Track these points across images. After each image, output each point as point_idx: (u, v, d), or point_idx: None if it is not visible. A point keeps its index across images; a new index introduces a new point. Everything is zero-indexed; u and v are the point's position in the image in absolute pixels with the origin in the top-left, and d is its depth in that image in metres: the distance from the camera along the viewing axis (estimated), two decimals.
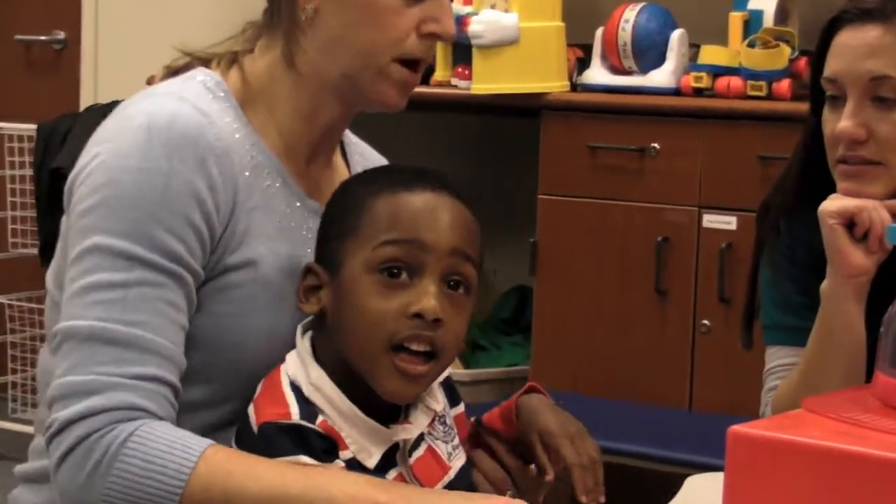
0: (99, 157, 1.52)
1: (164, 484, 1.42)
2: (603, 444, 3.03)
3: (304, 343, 1.55)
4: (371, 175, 1.61)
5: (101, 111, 4.21)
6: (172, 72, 1.66)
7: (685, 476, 2.06)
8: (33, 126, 4.18)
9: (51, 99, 4.79)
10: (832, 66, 1.89)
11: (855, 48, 1.87)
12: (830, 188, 1.87)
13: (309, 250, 1.60)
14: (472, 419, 1.69)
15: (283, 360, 1.54)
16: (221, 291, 1.54)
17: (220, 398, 1.56)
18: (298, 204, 1.62)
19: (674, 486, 2.03)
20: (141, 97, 1.58)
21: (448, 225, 1.52)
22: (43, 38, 5.03)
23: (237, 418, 1.53)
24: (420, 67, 1.62)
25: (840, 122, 1.85)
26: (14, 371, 4.59)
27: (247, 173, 1.57)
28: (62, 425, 1.45)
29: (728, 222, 3.44)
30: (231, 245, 1.54)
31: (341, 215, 1.56)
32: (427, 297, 1.48)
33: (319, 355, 1.53)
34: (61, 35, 5.00)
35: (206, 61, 1.67)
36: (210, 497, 1.42)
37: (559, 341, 3.56)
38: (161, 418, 1.46)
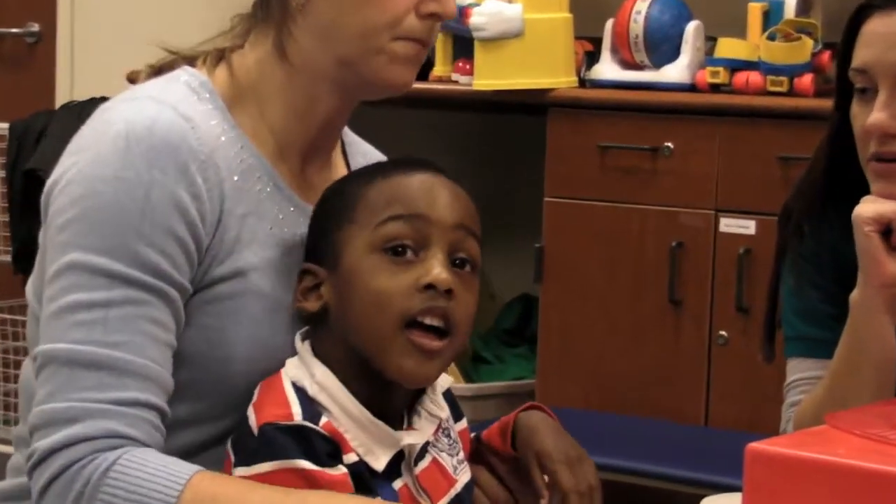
0: (76, 166, 1.52)
1: None
2: (614, 462, 3.06)
3: (304, 346, 1.56)
4: (363, 170, 1.64)
5: (78, 109, 4.24)
6: (156, 70, 1.66)
7: (701, 497, 2.07)
8: (5, 125, 4.21)
9: (24, 96, 4.79)
10: (861, 56, 1.89)
11: (885, 36, 1.87)
12: (859, 189, 1.87)
13: (299, 257, 1.61)
14: (473, 435, 1.70)
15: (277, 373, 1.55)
16: (210, 304, 1.54)
17: (209, 415, 1.56)
18: (292, 208, 1.63)
19: None
20: (120, 101, 1.58)
21: (449, 201, 1.56)
22: (15, 30, 5.04)
23: (228, 436, 1.54)
24: (424, 45, 1.62)
25: (871, 116, 1.84)
26: None
27: (235, 178, 1.57)
28: (43, 455, 1.45)
29: (746, 227, 3.44)
30: (219, 255, 1.55)
31: (335, 209, 1.57)
32: (437, 267, 1.52)
33: (321, 359, 1.54)
34: (35, 27, 5.01)
35: (191, 59, 1.67)
36: None
37: (567, 353, 3.57)
38: (146, 445, 1.47)
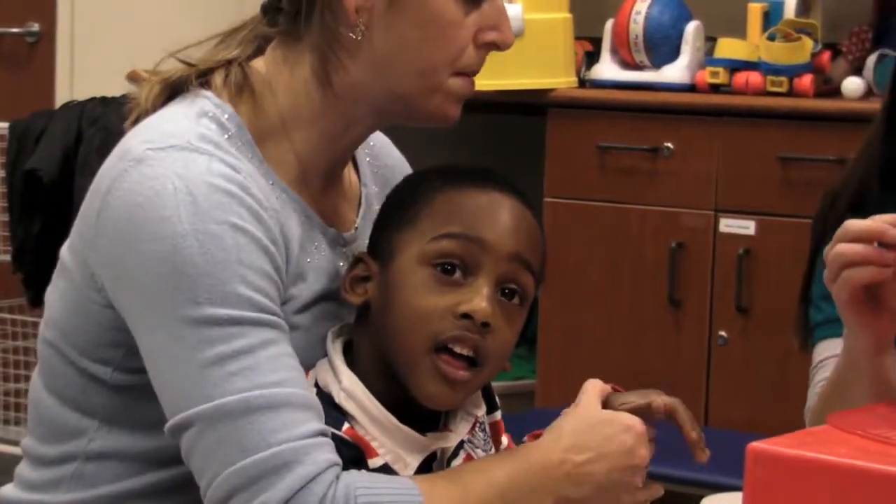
0: (136, 226, 1.46)
1: None
2: None
3: (336, 348, 1.54)
4: (439, 169, 1.59)
5: (78, 109, 4.24)
6: (170, 86, 1.59)
7: (701, 497, 2.07)
8: (5, 124, 4.21)
9: (23, 95, 4.80)
10: None
11: None
12: None
13: (338, 284, 1.58)
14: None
15: None
16: None
17: None
18: (323, 236, 1.59)
19: None
20: (155, 148, 1.49)
21: (512, 228, 1.52)
22: (15, 29, 5.03)
23: None
24: (473, 76, 1.59)
25: None
26: None
27: (281, 215, 1.53)
28: None
29: (746, 227, 3.45)
30: (286, 293, 1.53)
31: (401, 206, 1.55)
32: (479, 297, 1.48)
33: (356, 357, 1.54)
34: (35, 27, 5.00)
35: (206, 74, 1.59)
36: None
37: (567, 354, 3.57)
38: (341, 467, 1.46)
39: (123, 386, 1.55)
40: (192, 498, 1.52)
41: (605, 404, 1.55)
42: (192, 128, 1.51)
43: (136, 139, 1.51)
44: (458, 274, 1.49)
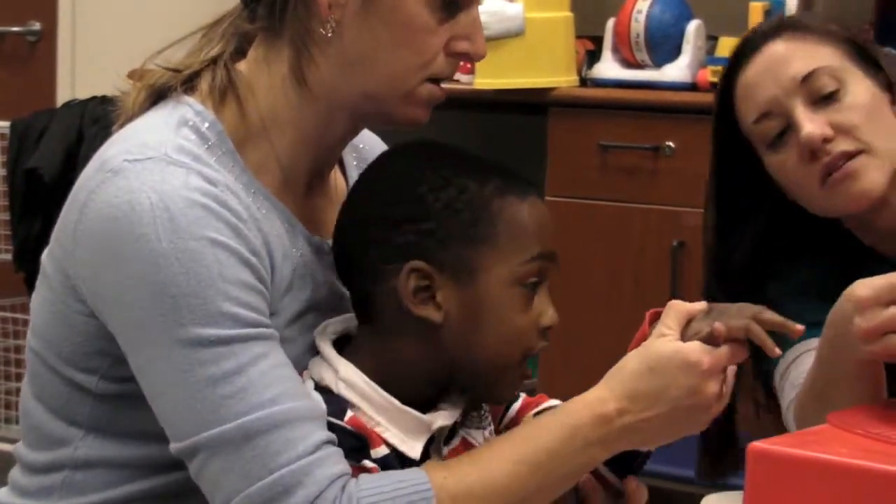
0: (115, 237, 1.45)
1: None
2: None
3: (326, 344, 1.54)
4: (477, 161, 1.56)
5: (80, 108, 4.24)
6: (156, 91, 1.58)
7: (702, 495, 2.08)
8: (6, 123, 4.22)
9: (25, 94, 4.80)
10: (759, 99, 1.90)
11: (769, 68, 1.90)
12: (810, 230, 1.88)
13: (323, 293, 1.58)
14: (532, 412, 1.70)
15: None
16: None
17: None
18: (307, 244, 1.58)
19: None
20: (132, 159, 1.48)
21: (551, 227, 1.56)
22: (16, 28, 5.04)
23: None
24: (444, 82, 1.59)
25: (802, 132, 1.85)
26: None
27: (263, 225, 1.53)
28: None
29: None
30: (271, 307, 1.52)
31: (464, 221, 1.51)
32: (551, 308, 1.54)
33: (356, 353, 1.54)
34: (36, 26, 5.01)
35: (191, 79, 1.58)
36: None
37: (568, 353, 3.56)
38: (349, 475, 1.44)
39: (109, 395, 1.54)
40: None
41: (687, 328, 1.52)
42: (171, 139, 1.50)
43: (114, 149, 1.51)
44: (535, 289, 1.53)
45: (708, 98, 3.56)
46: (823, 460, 1.25)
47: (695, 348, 1.48)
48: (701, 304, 1.53)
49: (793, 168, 1.89)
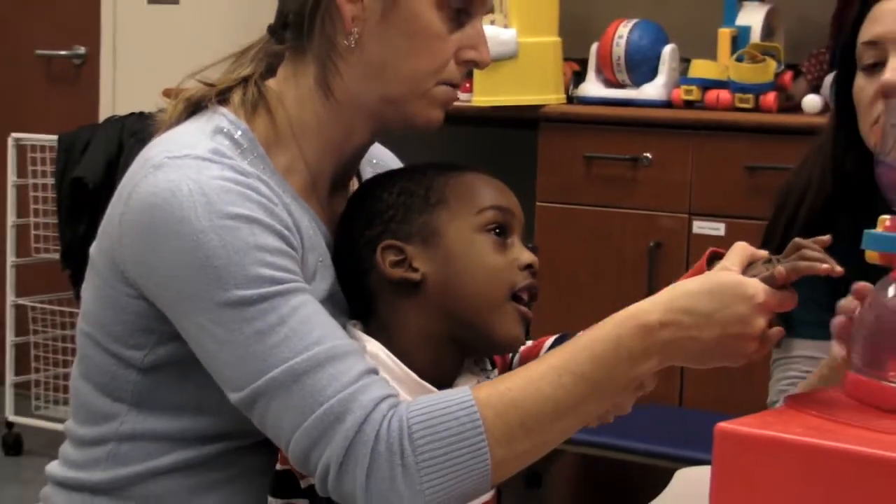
0: (157, 222, 1.45)
1: (469, 447, 1.37)
2: (597, 439, 3.07)
3: (355, 326, 1.54)
4: (421, 165, 1.60)
5: (120, 123, 4.25)
6: (192, 104, 1.58)
7: (675, 469, 2.07)
8: (54, 137, 4.23)
9: (71, 111, 4.80)
10: (873, 30, 1.85)
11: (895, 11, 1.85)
12: (869, 196, 1.77)
13: (338, 287, 1.57)
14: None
15: None
16: None
17: (246, 433, 1.52)
18: (324, 241, 1.58)
19: (664, 478, 2.04)
20: (172, 156, 1.48)
21: (515, 199, 1.57)
22: (63, 52, 5.03)
23: (262, 454, 1.52)
24: (458, 88, 1.59)
25: (886, 74, 1.81)
26: (37, 370, 4.60)
27: (293, 218, 1.52)
28: (339, 461, 1.37)
29: (717, 228, 3.44)
30: None
31: (417, 195, 1.55)
32: (527, 252, 1.54)
33: (394, 328, 1.53)
34: (81, 50, 5.00)
35: (225, 92, 1.58)
36: (511, 433, 1.38)
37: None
38: (398, 396, 1.41)
39: (152, 370, 1.54)
40: (214, 477, 1.54)
41: (746, 270, 1.43)
42: (207, 143, 1.50)
43: (156, 149, 1.51)
44: (503, 236, 1.54)
45: (681, 114, 3.58)
46: (781, 439, 1.25)
47: (755, 283, 1.39)
48: (763, 252, 1.46)
49: (867, 97, 1.85)
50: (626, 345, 1.40)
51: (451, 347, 1.54)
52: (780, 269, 1.40)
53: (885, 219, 1.37)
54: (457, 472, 1.37)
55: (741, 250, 1.45)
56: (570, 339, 1.45)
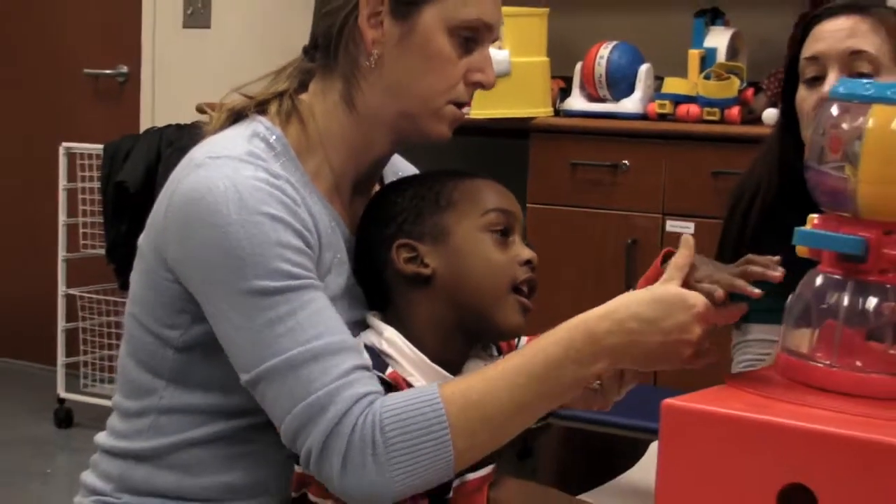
0: (195, 214, 1.46)
1: (434, 440, 1.39)
2: (582, 414, 3.06)
3: (375, 317, 1.54)
4: (432, 173, 1.60)
5: (158, 133, 4.25)
6: (234, 114, 1.59)
7: (650, 441, 2.06)
8: (100, 146, 4.24)
9: (115, 123, 4.79)
10: (814, 48, 1.87)
11: (835, 31, 1.86)
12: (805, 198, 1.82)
13: (352, 281, 1.57)
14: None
15: None
16: None
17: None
18: (343, 240, 1.57)
19: (641, 449, 2.05)
20: (213, 156, 1.49)
21: (515, 202, 1.57)
22: (108, 71, 5.02)
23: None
24: (466, 107, 1.58)
25: (825, 87, 1.82)
26: (85, 352, 4.60)
27: (315, 217, 1.52)
28: (321, 446, 1.39)
29: (687, 227, 3.40)
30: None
31: (428, 199, 1.55)
32: (526, 249, 1.54)
33: (407, 320, 1.53)
34: (124, 69, 4.99)
35: (263, 104, 1.58)
36: (472, 427, 1.39)
37: (541, 329, 3.56)
38: (379, 394, 1.42)
39: (187, 349, 1.54)
40: (240, 449, 1.54)
41: (690, 274, 1.46)
42: (245, 146, 1.51)
43: (199, 151, 1.52)
44: (506, 236, 1.54)
45: (656, 126, 3.57)
46: (721, 413, 1.25)
47: (695, 295, 1.41)
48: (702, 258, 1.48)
49: (808, 107, 1.87)
50: (576, 348, 1.41)
51: (459, 334, 1.54)
52: (720, 292, 1.42)
53: (814, 218, 1.37)
54: (423, 461, 1.38)
55: (678, 265, 1.45)
56: (533, 341, 1.45)
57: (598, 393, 1.61)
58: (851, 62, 1.85)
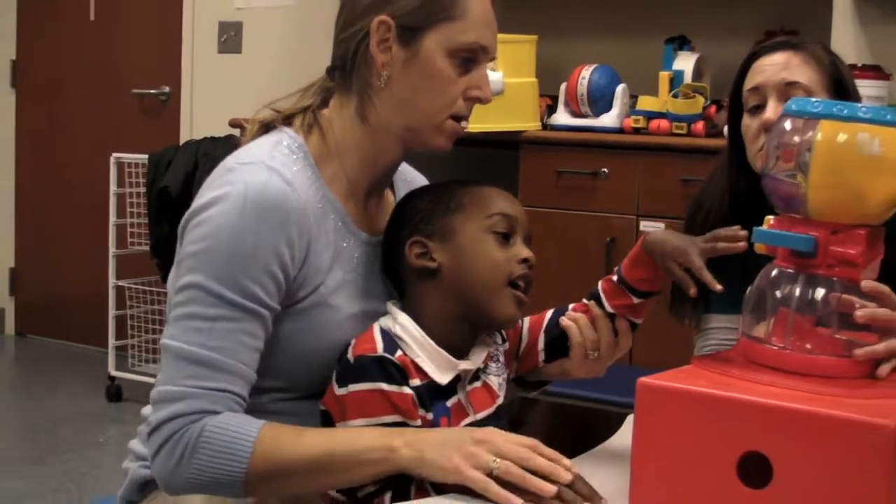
0: (209, 210, 1.46)
1: (231, 466, 1.41)
2: (559, 389, 3.05)
3: (393, 304, 1.54)
4: (449, 181, 1.60)
5: (196, 144, 4.24)
6: (264, 126, 1.59)
7: (627, 414, 2.06)
8: (145, 156, 4.23)
9: (158, 136, 4.80)
10: (755, 80, 1.87)
11: (771, 65, 1.87)
12: (756, 207, 1.77)
13: (362, 272, 1.56)
14: (587, 300, 1.67)
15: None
16: (297, 315, 1.50)
17: (290, 389, 1.53)
18: (352, 237, 1.56)
19: (619, 421, 2.04)
20: (242, 161, 1.49)
21: (521, 207, 1.56)
22: (152, 91, 5.04)
23: (307, 397, 1.52)
24: (465, 121, 1.57)
25: (765, 115, 1.83)
26: (132, 336, 4.61)
27: (318, 220, 1.51)
28: (155, 426, 1.43)
29: (659, 227, 3.42)
30: (304, 282, 1.49)
31: (441, 202, 1.54)
32: (525, 249, 1.53)
33: (418, 309, 1.53)
34: (166, 89, 5.01)
35: (290, 117, 1.58)
36: (266, 469, 1.41)
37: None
38: (217, 413, 1.43)
39: None
40: (274, 419, 1.49)
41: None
42: (269, 151, 1.51)
43: (232, 157, 1.52)
44: (507, 237, 1.53)
45: (631, 138, 3.58)
46: (689, 390, 1.25)
47: (484, 430, 1.39)
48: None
49: (752, 132, 1.87)
50: (371, 454, 1.39)
51: (463, 323, 1.53)
52: (694, 290, 1.45)
53: (770, 219, 1.38)
54: (213, 478, 1.41)
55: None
56: (344, 426, 1.43)
57: (596, 361, 1.64)
58: (787, 91, 1.84)
